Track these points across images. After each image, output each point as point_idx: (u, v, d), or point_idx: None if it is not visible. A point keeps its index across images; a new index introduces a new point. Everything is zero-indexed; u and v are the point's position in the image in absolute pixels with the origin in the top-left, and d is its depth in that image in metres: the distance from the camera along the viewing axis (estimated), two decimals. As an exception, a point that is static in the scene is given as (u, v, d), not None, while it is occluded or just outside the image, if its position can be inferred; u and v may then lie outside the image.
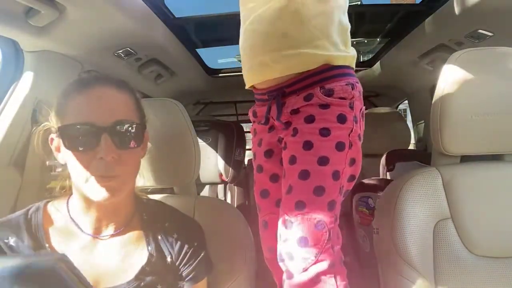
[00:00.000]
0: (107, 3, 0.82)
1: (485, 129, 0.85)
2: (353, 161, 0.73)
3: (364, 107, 0.77)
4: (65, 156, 0.59)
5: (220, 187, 2.08)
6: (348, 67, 0.77)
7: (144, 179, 0.90)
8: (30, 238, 0.57)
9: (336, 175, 0.69)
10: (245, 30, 0.79)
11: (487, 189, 0.86)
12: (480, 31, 1.07)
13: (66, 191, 0.65)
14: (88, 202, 0.60)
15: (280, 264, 0.73)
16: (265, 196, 0.86)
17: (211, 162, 1.64)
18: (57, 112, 0.59)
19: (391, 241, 0.84)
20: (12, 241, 0.56)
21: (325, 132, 0.69)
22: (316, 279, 0.67)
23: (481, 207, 0.85)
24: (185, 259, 0.66)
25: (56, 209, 0.63)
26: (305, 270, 0.67)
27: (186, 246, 0.67)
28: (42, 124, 0.62)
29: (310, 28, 0.71)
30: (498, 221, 0.84)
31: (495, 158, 0.91)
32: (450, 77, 0.86)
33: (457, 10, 1.00)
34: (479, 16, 0.99)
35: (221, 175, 1.65)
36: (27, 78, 0.90)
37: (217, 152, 1.64)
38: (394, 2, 1.21)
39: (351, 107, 0.71)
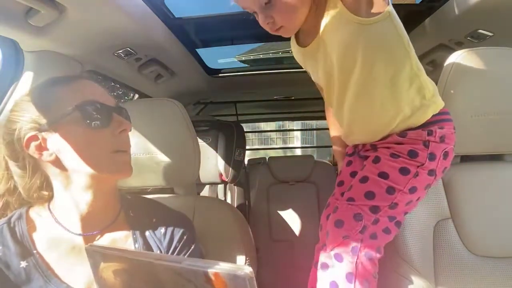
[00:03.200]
0: (107, 3, 0.82)
1: (485, 129, 0.85)
2: (413, 189, 0.78)
3: (450, 147, 0.81)
4: (61, 147, 0.56)
5: (220, 187, 2.08)
6: (427, 123, 0.80)
7: (144, 179, 0.90)
8: (17, 245, 0.57)
9: (390, 191, 0.77)
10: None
11: (487, 189, 0.86)
12: (480, 31, 1.07)
13: (44, 198, 0.63)
14: (75, 201, 0.59)
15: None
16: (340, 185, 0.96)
17: (211, 162, 1.64)
18: (46, 104, 0.57)
19: (392, 241, 0.84)
20: None
21: (394, 156, 0.79)
22: (337, 257, 0.75)
23: (481, 207, 0.85)
24: (175, 253, 0.65)
25: (38, 215, 0.62)
26: (331, 249, 0.76)
27: (175, 241, 0.65)
28: (26, 125, 0.57)
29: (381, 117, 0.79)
30: (498, 221, 0.84)
31: (495, 158, 0.91)
32: (450, 77, 0.86)
33: (457, 10, 1.00)
34: (479, 16, 0.99)
35: (221, 175, 1.64)
36: (27, 78, 0.89)
37: (217, 152, 1.64)
38: (394, 2, 1.21)
39: (426, 146, 0.78)
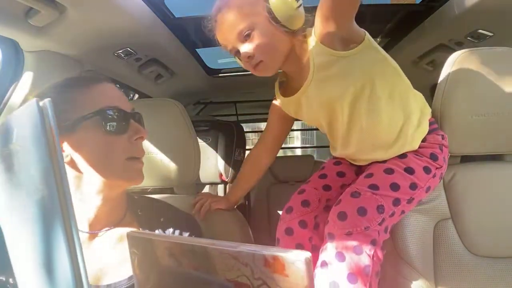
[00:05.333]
0: (107, 3, 0.81)
1: (485, 129, 0.85)
2: (428, 189, 0.82)
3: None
4: (77, 150, 0.56)
5: (220, 187, 2.08)
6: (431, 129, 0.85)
7: (144, 179, 0.90)
8: None
9: (413, 186, 0.79)
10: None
11: (487, 189, 0.86)
12: (480, 31, 1.07)
13: None
14: (84, 203, 0.60)
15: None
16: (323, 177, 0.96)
17: (211, 162, 1.64)
18: (66, 105, 0.56)
19: (391, 241, 0.84)
20: None
21: (419, 156, 0.83)
22: (356, 246, 0.73)
23: (481, 207, 0.85)
24: None
25: None
26: (350, 234, 0.74)
27: None
28: None
29: (391, 130, 0.82)
30: (498, 221, 0.84)
31: (495, 158, 0.91)
32: (450, 77, 0.86)
33: (457, 10, 1.00)
34: (479, 16, 0.99)
35: (221, 175, 1.65)
36: (27, 78, 0.89)
37: (217, 152, 1.64)
38: (394, 2, 1.21)
39: (441, 149, 0.84)
